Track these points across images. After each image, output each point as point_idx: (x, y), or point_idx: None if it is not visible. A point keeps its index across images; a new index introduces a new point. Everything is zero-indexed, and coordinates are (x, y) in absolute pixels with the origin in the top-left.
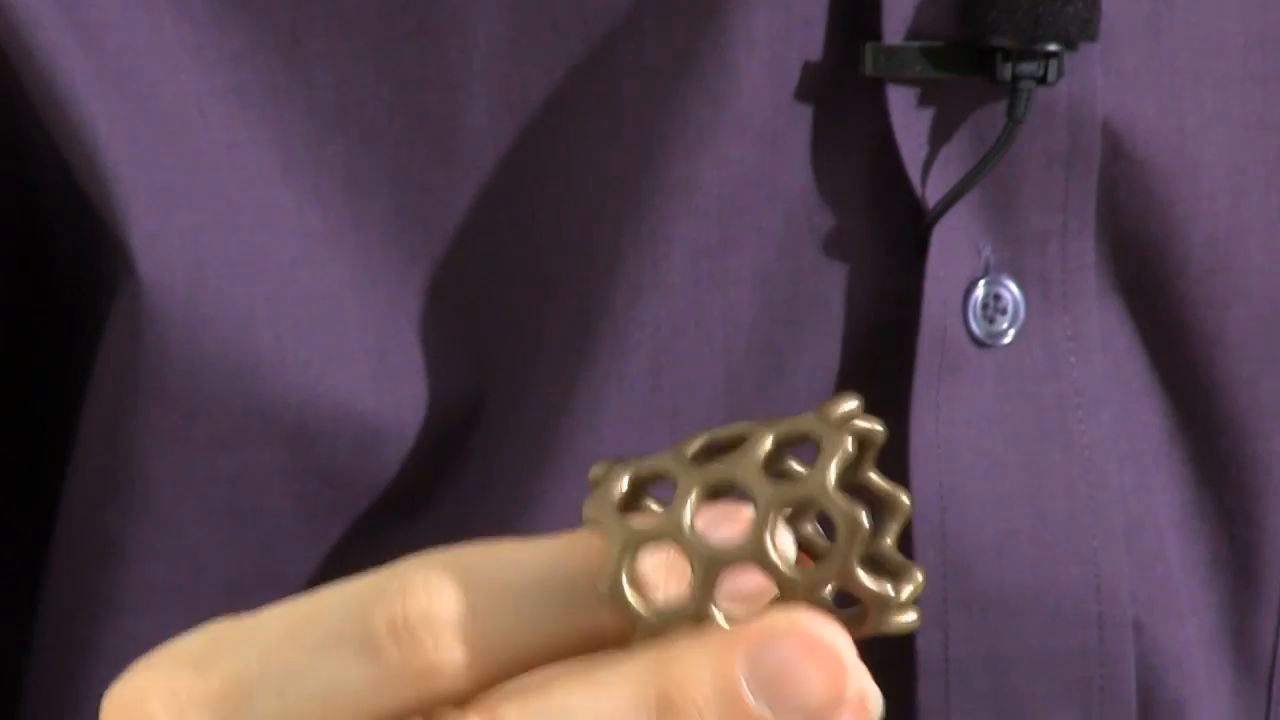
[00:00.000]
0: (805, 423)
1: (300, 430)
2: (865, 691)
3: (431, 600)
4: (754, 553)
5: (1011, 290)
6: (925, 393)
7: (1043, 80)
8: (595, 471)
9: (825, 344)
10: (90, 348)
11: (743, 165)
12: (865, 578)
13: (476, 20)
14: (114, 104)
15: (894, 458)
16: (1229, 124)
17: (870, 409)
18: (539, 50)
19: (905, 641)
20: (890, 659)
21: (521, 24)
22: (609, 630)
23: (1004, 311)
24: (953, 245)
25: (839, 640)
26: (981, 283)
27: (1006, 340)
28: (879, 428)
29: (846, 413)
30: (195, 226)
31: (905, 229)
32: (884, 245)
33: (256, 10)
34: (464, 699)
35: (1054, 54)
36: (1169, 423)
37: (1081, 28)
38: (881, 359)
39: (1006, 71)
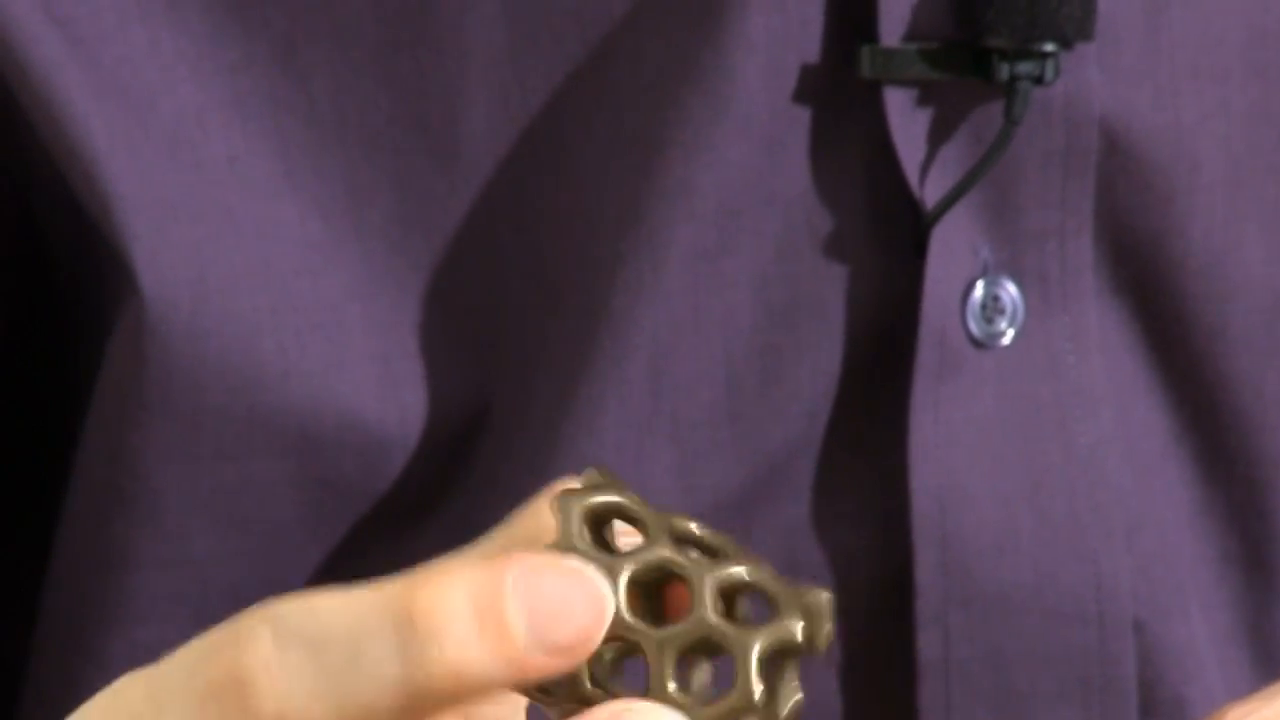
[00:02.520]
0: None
1: (305, 440)
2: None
3: (240, 656)
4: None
5: (1010, 291)
6: (925, 394)
7: (1039, 80)
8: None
9: (825, 346)
10: (92, 362)
11: (741, 169)
12: None
13: (473, 28)
14: (112, 119)
15: (893, 458)
16: (1228, 117)
17: (869, 410)
18: (536, 56)
19: (906, 641)
20: (891, 658)
21: (518, 30)
22: (443, 687)
23: (1003, 312)
24: (951, 246)
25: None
26: (980, 283)
27: (1005, 341)
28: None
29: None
30: (197, 239)
31: (904, 230)
32: (882, 247)
33: (254, 22)
34: None
35: (1050, 54)
36: (1173, 421)
37: (1077, 27)
38: (881, 361)
39: (1004, 72)
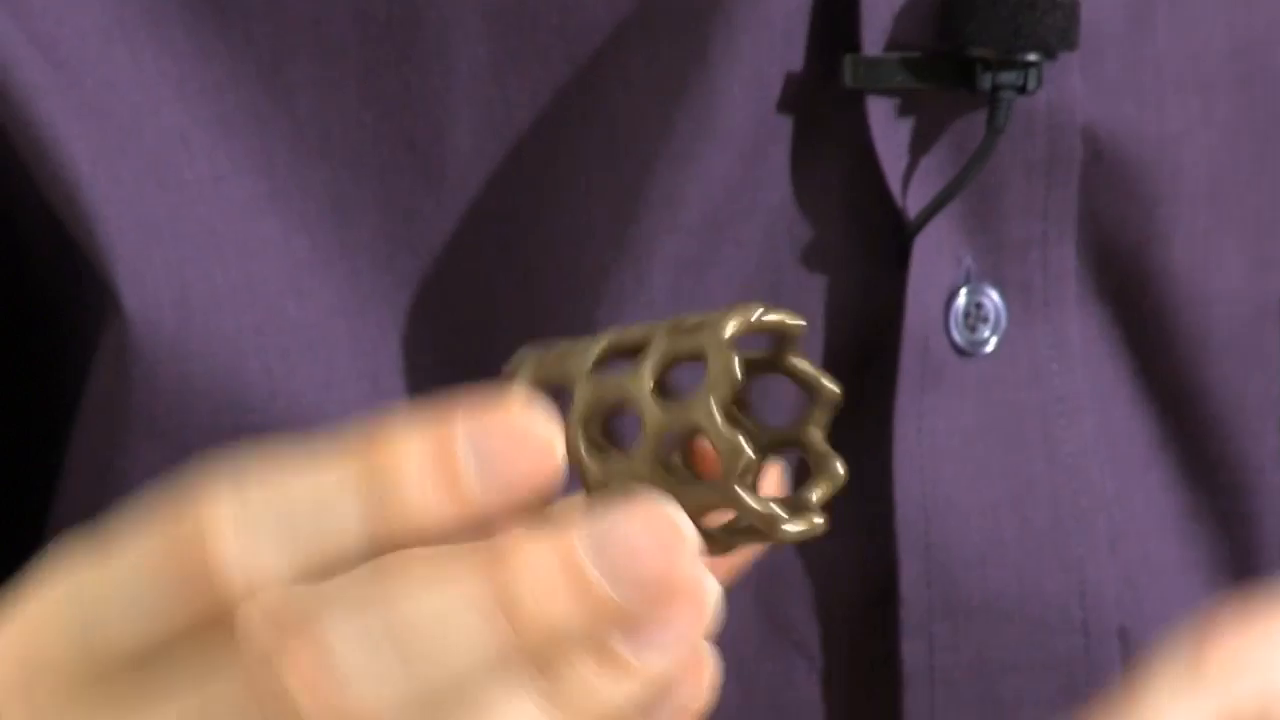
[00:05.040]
0: (698, 340)
1: None
2: (700, 580)
3: (208, 540)
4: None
5: (993, 299)
6: (908, 403)
7: (1022, 90)
8: (514, 359)
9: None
10: (77, 382)
11: (724, 179)
12: (750, 499)
13: (458, 44)
14: (94, 142)
15: (877, 468)
16: (1211, 126)
17: (852, 420)
18: (521, 72)
19: (890, 650)
20: (875, 668)
21: (503, 47)
22: (403, 538)
23: (985, 320)
24: (934, 255)
25: (677, 516)
26: (963, 292)
27: (988, 349)
28: (791, 320)
29: (741, 325)
30: (180, 261)
31: (886, 240)
32: (865, 257)
33: (239, 41)
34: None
35: (1033, 64)
36: (1156, 428)
37: (1060, 37)
38: (864, 370)
39: (986, 81)
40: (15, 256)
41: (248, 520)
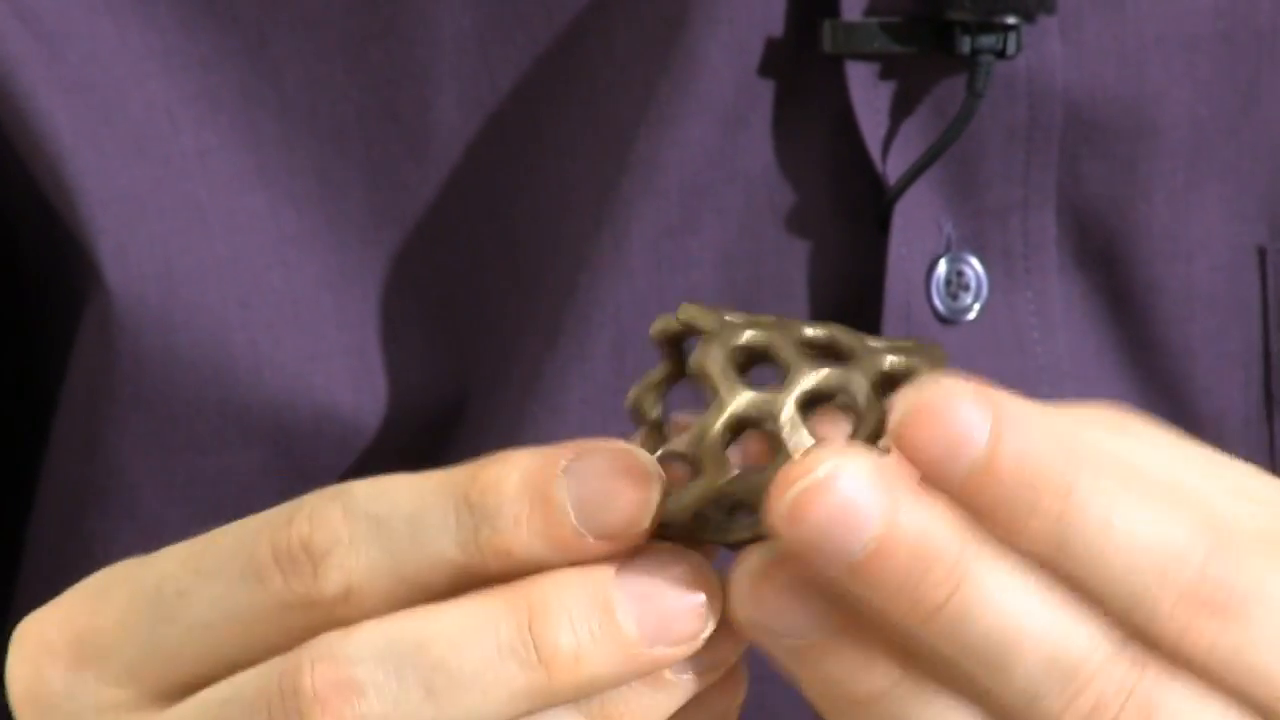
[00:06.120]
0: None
1: (280, 431)
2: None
3: (314, 529)
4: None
5: (974, 266)
6: None
7: (1002, 54)
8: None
9: None
10: (62, 357)
11: (704, 146)
12: None
13: (442, 16)
14: (78, 115)
15: None
16: (1193, 81)
17: None
18: (505, 43)
19: None
20: None
21: (487, 18)
22: (495, 566)
23: (967, 287)
24: (915, 222)
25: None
26: (944, 259)
27: (970, 316)
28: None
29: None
30: (164, 235)
31: (867, 206)
32: (846, 223)
33: (224, 15)
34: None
35: (1012, 27)
36: (1139, 393)
37: (1039, 1)
38: None
39: (965, 45)
40: (2, 234)
41: (355, 535)
